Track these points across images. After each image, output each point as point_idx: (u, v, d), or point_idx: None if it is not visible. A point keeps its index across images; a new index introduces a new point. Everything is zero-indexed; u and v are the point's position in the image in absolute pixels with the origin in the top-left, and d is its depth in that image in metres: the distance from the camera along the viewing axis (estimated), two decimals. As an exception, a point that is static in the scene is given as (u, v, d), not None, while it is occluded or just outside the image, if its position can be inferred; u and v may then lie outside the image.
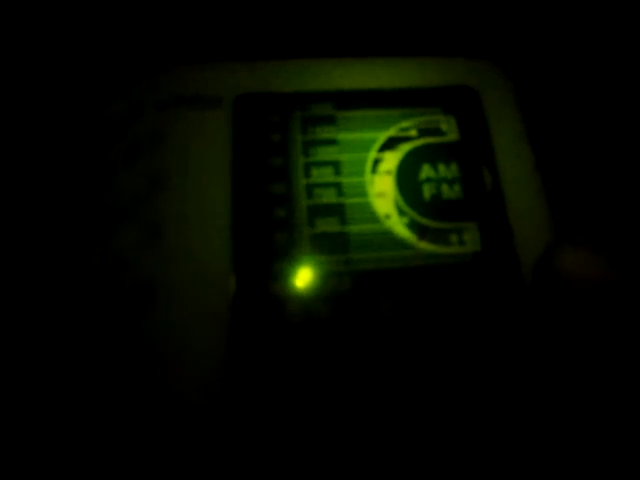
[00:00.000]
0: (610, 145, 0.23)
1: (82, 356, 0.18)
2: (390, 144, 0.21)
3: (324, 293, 0.19)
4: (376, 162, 0.21)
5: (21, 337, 0.18)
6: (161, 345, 0.18)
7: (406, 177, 0.21)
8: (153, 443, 0.17)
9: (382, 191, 0.20)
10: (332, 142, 0.21)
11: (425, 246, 0.20)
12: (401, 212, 0.20)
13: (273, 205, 0.20)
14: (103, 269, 0.19)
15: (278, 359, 0.18)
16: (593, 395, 0.17)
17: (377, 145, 0.21)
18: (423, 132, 0.21)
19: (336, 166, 0.21)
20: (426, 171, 0.21)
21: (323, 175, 0.20)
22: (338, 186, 0.20)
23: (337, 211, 0.20)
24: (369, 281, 0.19)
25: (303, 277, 0.19)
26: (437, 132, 0.21)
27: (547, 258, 0.18)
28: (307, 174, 0.20)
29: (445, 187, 0.21)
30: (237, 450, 0.17)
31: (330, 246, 0.19)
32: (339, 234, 0.20)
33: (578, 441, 0.17)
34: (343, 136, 0.21)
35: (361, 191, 0.20)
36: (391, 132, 0.21)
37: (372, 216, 0.20)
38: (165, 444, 0.17)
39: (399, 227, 0.20)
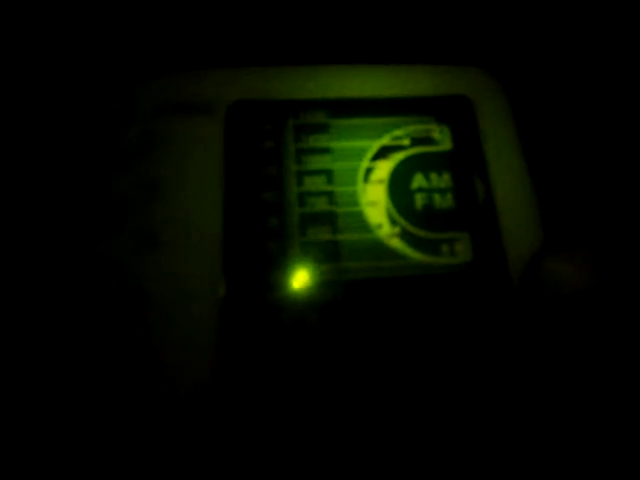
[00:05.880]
0: (604, 154, 0.23)
1: (75, 360, 0.17)
2: (383, 153, 0.21)
3: (315, 302, 0.19)
4: (368, 171, 0.21)
5: (15, 340, 0.18)
6: (153, 351, 0.18)
7: (398, 186, 0.21)
8: (145, 449, 0.17)
9: (374, 200, 0.20)
10: (325, 150, 0.21)
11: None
12: (393, 221, 0.20)
13: (265, 213, 0.20)
14: (96, 275, 0.19)
15: (268, 367, 0.18)
16: (586, 402, 0.17)
17: (370, 154, 0.21)
18: (416, 141, 0.21)
19: (329, 175, 0.21)
20: (418, 180, 0.21)
21: (316, 183, 0.20)
22: (330, 195, 0.20)
23: (329, 220, 0.20)
24: (360, 290, 0.19)
25: (294, 285, 0.19)
26: (430, 141, 0.21)
27: (534, 265, 0.18)
28: (300, 182, 0.20)
29: (437, 197, 0.20)
30: (228, 457, 0.17)
31: (322, 255, 0.19)
32: (331, 243, 0.19)
33: (573, 444, 0.17)
34: (336, 144, 0.21)
35: (353, 200, 0.20)
36: (384, 141, 0.21)
37: (364, 225, 0.20)
38: (157, 450, 0.17)
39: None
